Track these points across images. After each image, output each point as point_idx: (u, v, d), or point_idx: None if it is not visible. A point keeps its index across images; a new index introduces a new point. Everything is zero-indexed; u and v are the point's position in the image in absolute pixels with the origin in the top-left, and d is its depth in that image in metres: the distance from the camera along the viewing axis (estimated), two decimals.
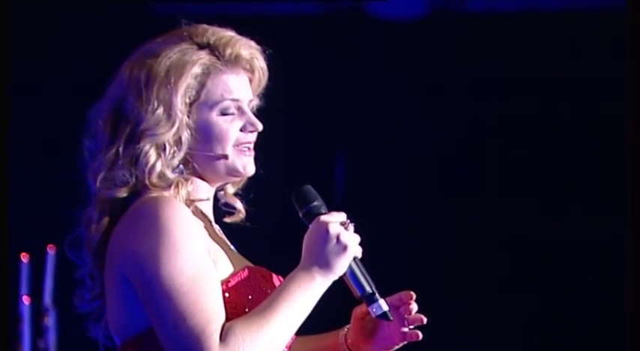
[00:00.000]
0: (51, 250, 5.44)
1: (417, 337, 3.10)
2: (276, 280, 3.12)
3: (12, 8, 6.29)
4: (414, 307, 3.10)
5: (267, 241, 5.42)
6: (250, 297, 3.00)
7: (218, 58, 3.06)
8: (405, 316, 3.11)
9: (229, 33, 3.10)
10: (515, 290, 6.69)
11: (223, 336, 2.90)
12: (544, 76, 6.36)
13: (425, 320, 3.08)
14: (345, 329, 3.19)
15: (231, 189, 3.21)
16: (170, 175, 3.05)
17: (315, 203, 3.07)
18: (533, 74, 6.44)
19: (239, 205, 3.23)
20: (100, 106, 3.14)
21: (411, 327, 3.11)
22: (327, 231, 2.99)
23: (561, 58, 6.38)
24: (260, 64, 3.14)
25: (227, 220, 3.30)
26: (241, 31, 3.13)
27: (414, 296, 3.09)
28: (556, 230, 6.62)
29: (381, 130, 6.56)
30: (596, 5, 6.54)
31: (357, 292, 3.03)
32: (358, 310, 3.14)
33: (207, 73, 3.06)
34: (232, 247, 3.19)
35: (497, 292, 6.72)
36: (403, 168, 6.55)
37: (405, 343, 3.13)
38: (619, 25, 5.79)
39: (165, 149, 3.04)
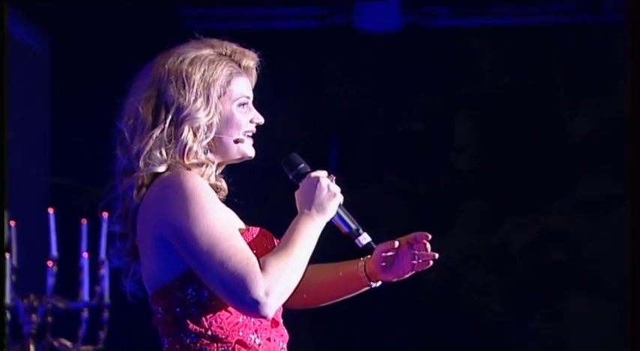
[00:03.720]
0: (104, 215, 5.39)
1: (427, 264, 3.16)
2: (275, 240, 3.16)
3: None
4: (428, 245, 3.15)
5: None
6: (255, 252, 3.04)
7: (238, 65, 3.17)
8: (417, 252, 3.16)
9: (238, 46, 3.20)
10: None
11: (262, 267, 2.97)
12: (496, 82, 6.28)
13: (437, 256, 3.14)
14: (363, 260, 3.23)
15: (218, 170, 3.22)
16: (201, 155, 3.12)
17: (303, 165, 3.17)
18: (484, 79, 6.37)
19: (224, 184, 3.25)
20: (137, 96, 3.19)
21: (420, 261, 3.17)
22: (320, 182, 3.08)
23: (510, 67, 6.36)
24: (256, 72, 3.23)
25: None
26: (255, 43, 3.25)
27: (430, 236, 3.15)
28: None
29: (366, 122, 6.57)
30: (547, 20, 6.48)
31: (344, 230, 3.13)
32: (381, 248, 3.21)
33: (231, 74, 3.15)
34: None
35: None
36: (382, 152, 6.52)
37: (413, 273, 3.19)
38: (572, 39, 5.73)
39: (199, 131, 3.11)
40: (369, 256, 3.24)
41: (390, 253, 3.21)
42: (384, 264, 3.22)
